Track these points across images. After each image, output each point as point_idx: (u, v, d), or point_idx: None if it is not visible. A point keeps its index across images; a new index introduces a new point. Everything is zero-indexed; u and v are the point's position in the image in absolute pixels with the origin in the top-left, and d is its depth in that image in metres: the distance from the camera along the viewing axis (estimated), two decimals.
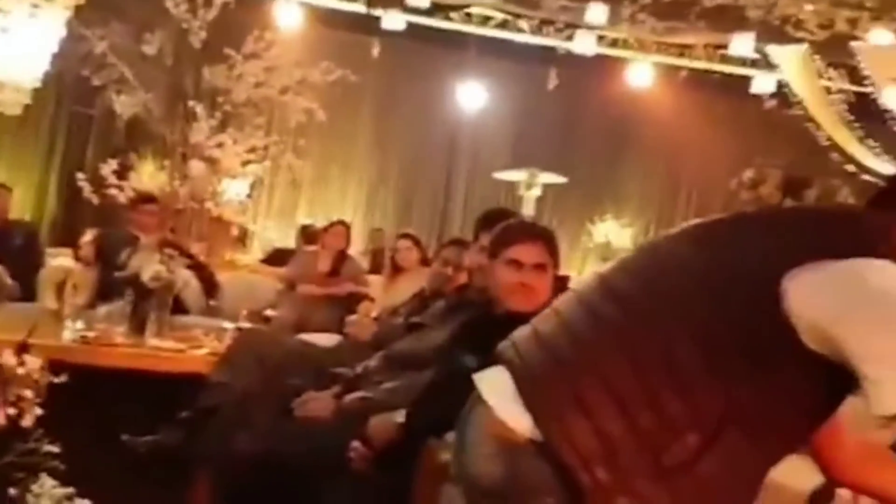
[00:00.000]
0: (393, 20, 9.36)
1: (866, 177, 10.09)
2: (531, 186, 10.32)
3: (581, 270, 12.08)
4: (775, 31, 7.98)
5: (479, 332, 2.60)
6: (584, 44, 9.06)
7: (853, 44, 8.05)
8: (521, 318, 2.50)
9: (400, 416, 2.55)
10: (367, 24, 9.61)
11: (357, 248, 9.53)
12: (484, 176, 11.68)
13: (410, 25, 9.68)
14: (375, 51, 9.94)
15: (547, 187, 10.89)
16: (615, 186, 12.29)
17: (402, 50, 10.50)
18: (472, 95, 10.73)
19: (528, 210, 10.21)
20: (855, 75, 8.93)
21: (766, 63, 9.67)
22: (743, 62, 9.63)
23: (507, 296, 2.53)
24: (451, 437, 2.32)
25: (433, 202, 11.95)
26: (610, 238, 11.83)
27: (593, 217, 12.10)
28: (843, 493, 2.23)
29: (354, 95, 10.30)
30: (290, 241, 9.56)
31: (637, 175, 12.39)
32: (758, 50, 9.42)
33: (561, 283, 5.76)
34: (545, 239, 2.56)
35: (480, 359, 2.51)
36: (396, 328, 3.44)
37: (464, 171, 12.23)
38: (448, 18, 10.01)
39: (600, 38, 9.71)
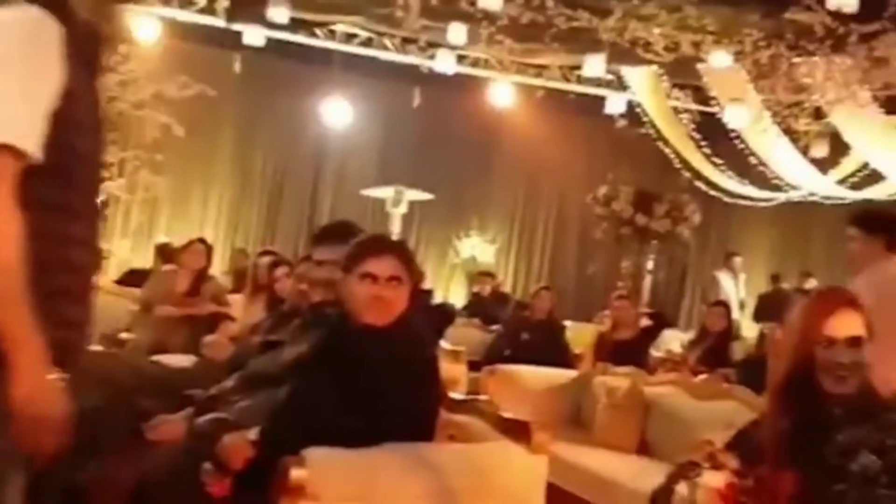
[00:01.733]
0: (253, 35, 9.25)
1: (713, 192, 10.70)
2: (398, 203, 10.43)
3: (448, 286, 12.26)
4: (626, 53, 8.35)
5: (335, 348, 2.61)
6: (444, 63, 9.23)
7: (698, 66, 8.52)
8: (377, 332, 2.54)
9: (253, 434, 2.53)
10: (228, 39, 9.47)
11: (221, 267, 9.35)
12: (350, 192, 11.70)
13: (272, 41, 9.60)
14: (236, 66, 9.79)
15: (413, 204, 11.03)
16: (480, 203, 12.55)
17: (265, 66, 10.41)
18: (337, 112, 10.74)
19: (394, 226, 10.29)
20: (700, 95, 9.45)
21: (618, 84, 10.11)
22: (598, 83, 10.03)
23: (363, 310, 2.55)
24: (308, 453, 2.33)
25: (298, 219, 11.86)
26: (475, 253, 12.06)
27: (459, 233, 12.31)
28: (680, 490, 2.37)
29: (214, 111, 10.13)
30: (147, 262, 9.27)
31: (500, 192, 12.70)
32: (611, 71, 9.84)
33: (424, 297, 5.82)
34: (398, 252, 2.60)
35: (337, 374, 2.53)
36: (253, 347, 3.39)
37: (330, 187, 12.21)
38: (311, 35, 9.98)
39: (463, 57, 9.91)
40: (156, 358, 4.36)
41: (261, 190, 11.87)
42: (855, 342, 2.15)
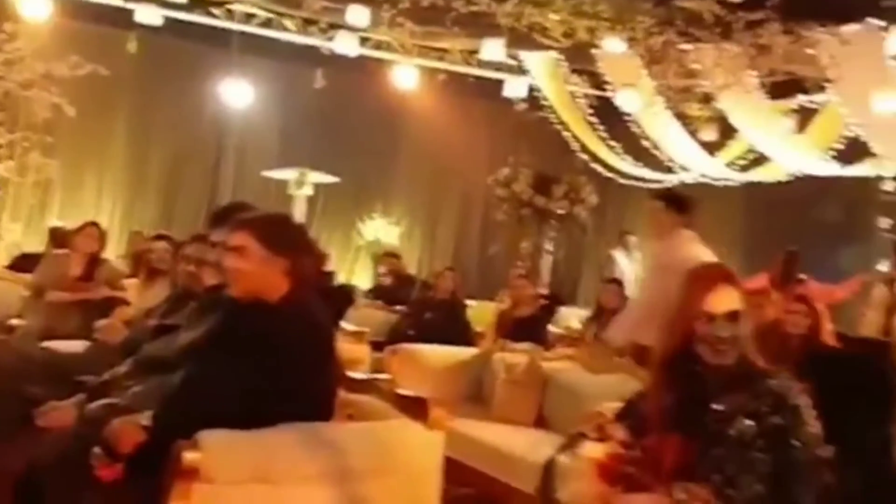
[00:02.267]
0: (149, 14, 9.00)
1: (609, 174, 10.99)
2: (301, 185, 10.33)
3: (353, 268, 12.25)
4: (524, 38, 8.48)
5: (228, 329, 2.62)
6: (345, 44, 9.17)
7: (594, 51, 8.71)
8: (269, 312, 2.55)
9: (146, 419, 2.51)
10: (122, 18, 9.18)
11: (117, 251, 9.11)
12: (252, 175, 11.53)
13: (169, 21, 9.36)
14: (131, 46, 9.51)
15: (317, 186, 10.95)
16: (384, 185, 12.55)
17: (161, 46, 10.13)
18: (237, 94, 10.54)
19: (299, 209, 10.21)
20: (596, 80, 9.67)
21: (518, 68, 10.26)
22: (498, 67, 10.15)
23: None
24: (201, 436, 2.33)
25: (198, 203, 11.60)
26: (380, 236, 12.08)
27: (363, 215, 12.29)
28: (563, 460, 2.47)
29: (108, 92, 9.83)
30: (40, 246, 8.96)
31: (404, 174, 12.72)
32: (511, 56, 9.97)
33: (325, 278, 5.81)
34: (239, 223, 2.63)
35: (232, 356, 2.54)
36: (147, 331, 3.35)
37: (231, 170, 11.99)
38: (209, 14, 9.77)
39: (366, 39, 9.87)
40: (47, 344, 4.26)
41: (158, 173, 11.56)
42: (733, 317, 2.26)
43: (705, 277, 2.38)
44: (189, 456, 2.28)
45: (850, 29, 7.19)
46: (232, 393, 2.46)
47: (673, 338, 2.35)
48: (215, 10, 9.77)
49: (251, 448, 2.38)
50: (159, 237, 5.25)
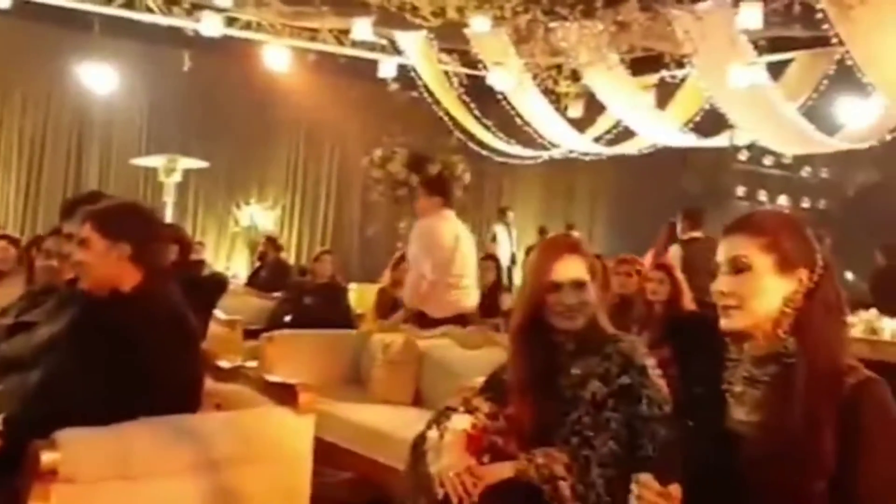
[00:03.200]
0: None
1: (484, 152, 11.14)
2: (171, 172, 10.04)
3: (229, 255, 12.03)
4: (395, 18, 8.47)
5: (86, 322, 2.56)
6: (210, 25, 8.94)
7: (465, 30, 8.78)
8: (125, 302, 2.51)
9: None
10: None
11: None
12: (119, 163, 11.18)
13: (21, 2, 8.90)
14: None
15: (188, 172, 10.68)
16: (258, 170, 12.36)
17: (16, 29, 9.69)
18: (99, 78, 10.16)
19: (168, 196, 9.94)
20: (469, 59, 9.76)
21: (392, 48, 10.25)
22: (372, 47, 10.11)
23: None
24: (58, 434, 2.27)
25: (60, 192, 11.16)
26: (256, 221, 11.90)
27: (238, 200, 12.08)
28: (431, 435, 2.52)
29: None
30: None
31: (279, 158, 12.56)
32: (383, 35, 9.94)
33: (195, 267, 5.67)
34: (85, 215, 2.63)
35: (91, 350, 2.48)
36: (1, 330, 3.22)
37: (96, 158, 11.58)
38: None
39: (235, 20, 9.65)
40: None
41: (18, 163, 11.04)
42: (578, 285, 2.35)
43: (551, 249, 2.47)
44: (47, 456, 2.23)
45: (703, 6, 7.50)
46: (90, 388, 2.41)
47: (525, 308, 2.43)
48: None
49: (111, 444, 2.34)
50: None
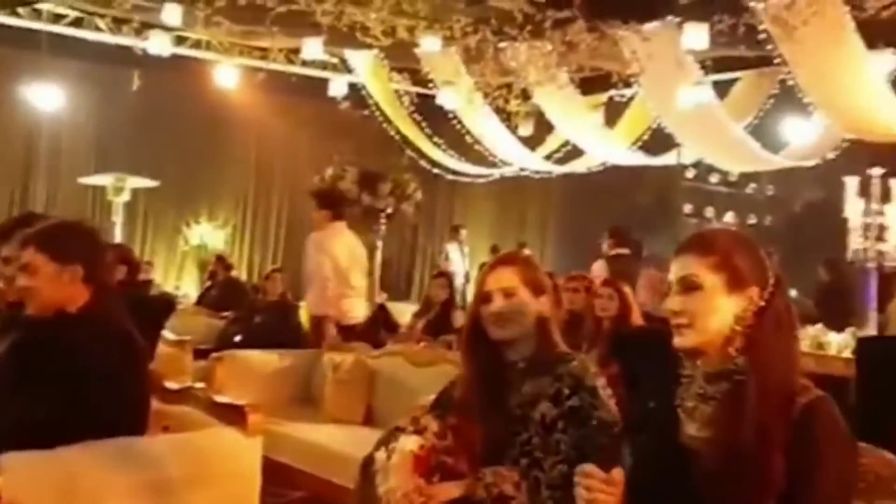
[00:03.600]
0: None
1: (436, 170, 11.20)
2: (119, 191, 9.93)
3: (180, 274, 11.89)
4: (346, 37, 8.48)
5: (28, 344, 2.52)
6: (158, 44, 8.88)
7: (416, 50, 8.83)
8: (67, 323, 2.47)
9: None
10: None
11: None
12: (68, 182, 11.03)
13: None
14: None
15: (137, 192, 10.57)
16: (209, 188, 12.26)
17: None
18: (48, 97, 10.03)
19: (117, 216, 9.83)
20: (419, 78, 9.81)
21: (343, 66, 10.27)
22: (323, 66, 10.11)
23: None
24: (2, 458, 2.22)
25: (6, 212, 10.94)
26: (206, 240, 11.78)
27: (188, 220, 11.95)
28: (379, 456, 2.51)
29: None
30: None
31: (230, 176, 12.47)
32: (334, 54, 9.95)
33: (143, 287, 5.60)
34: (26, 239, 2.57)
35: (34, 372, 2.44)
36: None
37: (44, 177, 11.39)
38: (15, 14, 9.20)
39: (185, 39, 9.59)
40: None
41: None
42: (507, 294, 2.36)
43: (490, 264, 2.52)
44: None
45: (649, 26, 7.64)
46: (34, 411, 2.38)
47: (469, 322, 2.46)
48: (20, 10, 9.21)
49: (56, 468, 2.31)
50: None
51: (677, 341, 1.78)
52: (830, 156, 8.51)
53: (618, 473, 1.69)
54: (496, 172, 11.05)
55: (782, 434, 1.65)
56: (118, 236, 9.45)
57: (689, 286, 1.76)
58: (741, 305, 1.74)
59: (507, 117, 9.84)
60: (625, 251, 7.09)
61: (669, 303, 1.80)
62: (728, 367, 1.74)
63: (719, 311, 1.74)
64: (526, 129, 10.12)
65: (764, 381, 1.68)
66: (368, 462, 2.49)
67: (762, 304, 1.73)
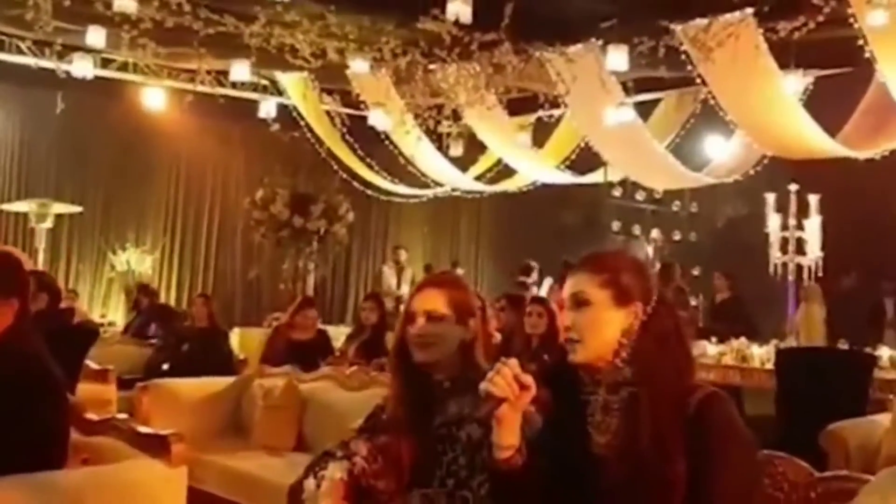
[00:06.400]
0: None
1: (369, 191, 11.20)
2: (42, 218, 9.67)
3: (105, 301, 11.61)
4: (275, 59, 8.44)
5: None
6: (82, 67, 8.72)
7: (348, 72, 8.82)
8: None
9: None
10: None
11: None
12: None
13: None
14: None
15: (60, 218, 10.32)
16: (135, 212, 12.01)
17: None
18: None
19: (40, 243, 9.57)
20: (350, 99, 9.81)
21: (273, 88, 10.21)
22: (253, 87, 10.04)
23: None
24: None
25: None
26: (133, 266, 11.53)
27: (114, 245, 11.69)
28: (308, 484, 2.48)
29: None
30: None
31: (157, 200, 12.24)
32: (264, 76, 9.90)
33: (64, 316, 5.47)
34: None
35: None
36: None
37: None
38: None
39: (109, 60, 9.44)
40: None
41: None
42: (431, 316, 2.34)
43: (417, 284, 2.53)
44: None
45: (573, 49, 7.79)
46: None
47: (395, 344, 2.45)
48: None
49: None
50: None
51: (570, 358, 1.86)
52: (752, 172, 8.77)
53: (529, 380, 1.75)
54: (429, 193, 11.10)
55: (679, 440, 1.71)
56: (41, 264, 9.19)
57: (580, 302, 1.86)
58: (627, 320, 1.83)
59: (438, 138, 9.90)
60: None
61: (562, 318, 1.91)
62: (618, 379, 1.82)
63: (606, 324, 1.83)
64: (457, 150, 10.20)
65: (652, 391, 1.76)
66: (297, 490, 2.46)
67: (645, 318, 1.83)
